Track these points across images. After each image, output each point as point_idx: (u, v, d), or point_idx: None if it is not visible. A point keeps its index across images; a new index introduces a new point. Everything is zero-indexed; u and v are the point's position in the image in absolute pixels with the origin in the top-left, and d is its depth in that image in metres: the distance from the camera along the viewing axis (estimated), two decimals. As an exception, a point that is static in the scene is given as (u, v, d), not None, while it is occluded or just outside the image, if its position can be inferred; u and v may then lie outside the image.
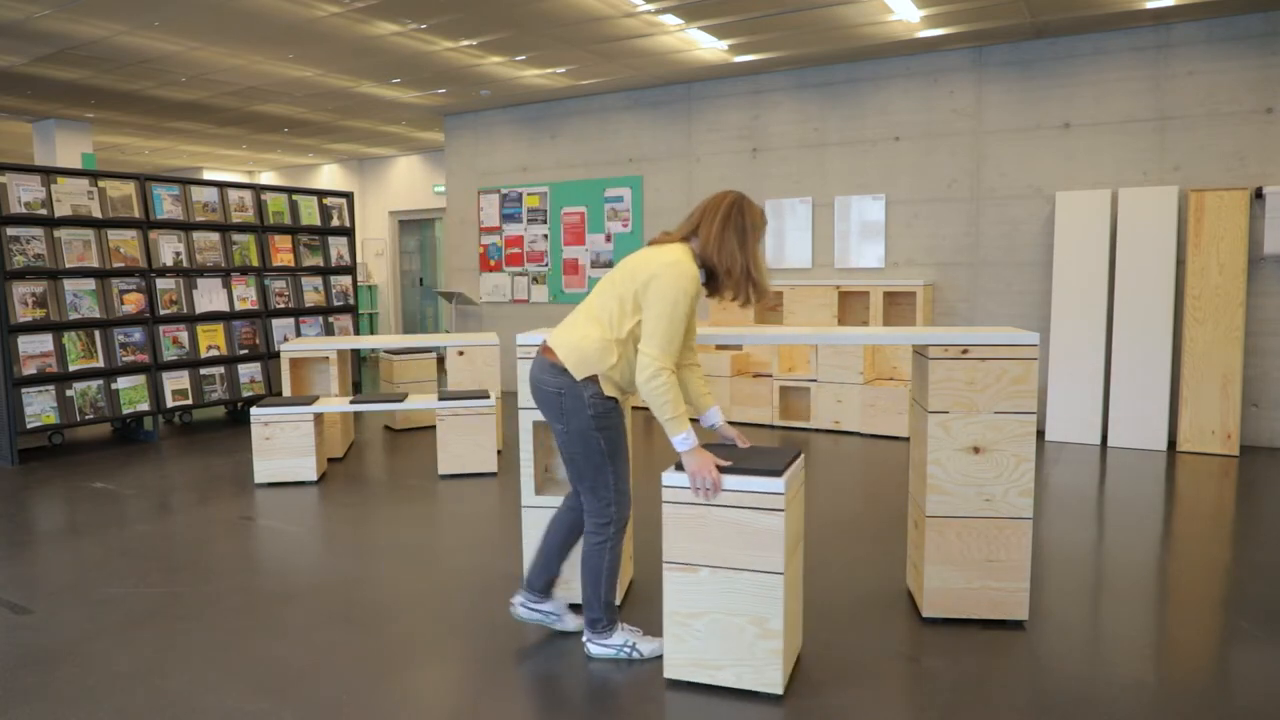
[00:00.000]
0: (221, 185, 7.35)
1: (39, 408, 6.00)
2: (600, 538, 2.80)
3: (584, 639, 2.90)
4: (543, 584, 3.01)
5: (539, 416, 3.20)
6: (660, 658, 2.80)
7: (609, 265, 8.70)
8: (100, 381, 6.36)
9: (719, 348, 7.75)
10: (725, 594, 2.57)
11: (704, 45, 6.78)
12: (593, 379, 2.68)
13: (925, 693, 2.63)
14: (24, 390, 5.93)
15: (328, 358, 6.25)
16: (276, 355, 7.58)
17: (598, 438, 2.72)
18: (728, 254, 2.70)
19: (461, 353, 6.28)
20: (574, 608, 3.14)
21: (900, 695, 2.62)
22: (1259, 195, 5.94)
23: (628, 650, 2.85)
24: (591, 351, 2.68)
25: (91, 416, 6.29)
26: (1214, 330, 5.90)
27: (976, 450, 3.02)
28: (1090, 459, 5.84)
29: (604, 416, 2.71)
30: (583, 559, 2.84)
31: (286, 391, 6.16)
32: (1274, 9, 5.85)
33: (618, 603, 3.00)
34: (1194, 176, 6.18)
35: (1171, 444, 6.19)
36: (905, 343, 3.21)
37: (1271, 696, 2.60)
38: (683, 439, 2.57)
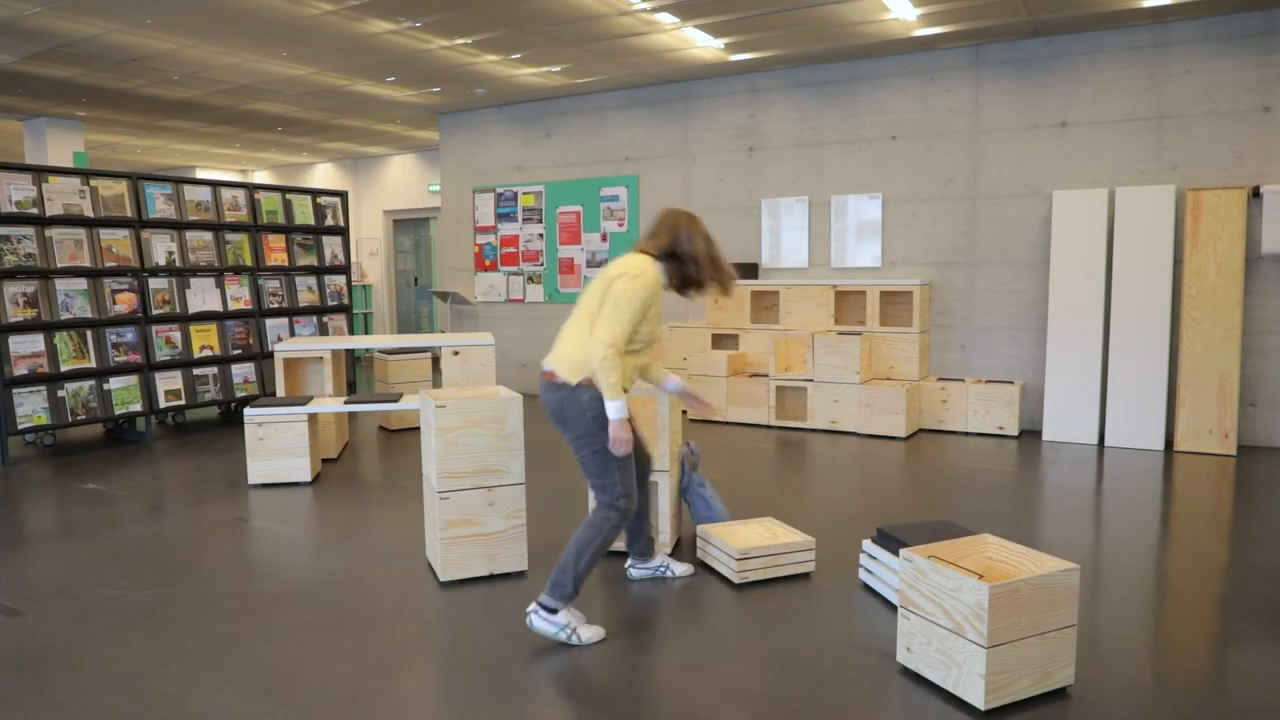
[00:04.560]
0: (215, 184, 7.31)
1: (30, 408, 5.95)
2: (603, 516, 3.04)
3: (530, 608, 3.03)
4: (640, 547, 3.55)
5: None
6: (597, 643, 3.00)
7: (605, 264, 8.66)
8: (92, 382, 6.32)
9: (715, 348, 7.73)
10: None
11: (700, 44, 6.76)
12: (587, 382, 2.97)
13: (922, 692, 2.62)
14: (15, 391, 5.88)
15: (322, 358, 6.21)
16: (270, 355, 7.53)
17: (601, 437, 2.99)
18: (701, 252, 3.12)
19: (456, 353, 6.25)
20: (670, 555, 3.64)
21: (897, 692, 2.61)
22: (1256, 194, 5.94)
23: (568, 632, 2.99)
24: (581, 357, 2.98)
25: (83, 417, 6.24)
26: (1211, 330, 5.90)
27: None
28: (1087, 459, 5.83)
29: (603, 416, 2.97)
30: (581, 527, 3.06)
31: (280, 392, 6.13)
32: (1271, 7, 5.85)
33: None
34: (1191, 175, 6.18)
35: (1169, 443, 6.19)
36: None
37: (1270, 697, 2.58)
38: (616, 408, 2.92)
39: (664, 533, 3.90)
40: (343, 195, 8.39)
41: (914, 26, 6.28)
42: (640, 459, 3.38)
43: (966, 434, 6.67)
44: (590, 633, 3.00)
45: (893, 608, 3.28)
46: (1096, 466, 5.60)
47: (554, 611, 2.99)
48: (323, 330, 8.01)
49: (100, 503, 4.92)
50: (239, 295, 7.37)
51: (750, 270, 7.67)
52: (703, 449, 6.25)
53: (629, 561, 3.63)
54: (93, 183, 6.45)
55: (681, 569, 3.61)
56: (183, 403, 6.88)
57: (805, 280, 7.43)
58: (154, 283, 6.77)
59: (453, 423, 3.48)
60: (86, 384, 6.28)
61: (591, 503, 3.52)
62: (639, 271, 2.99)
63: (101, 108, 9.06)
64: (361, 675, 2.79)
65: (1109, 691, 2.63)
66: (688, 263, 3.11)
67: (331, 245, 8.24)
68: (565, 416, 3.01)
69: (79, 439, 6.85)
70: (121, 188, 6.63)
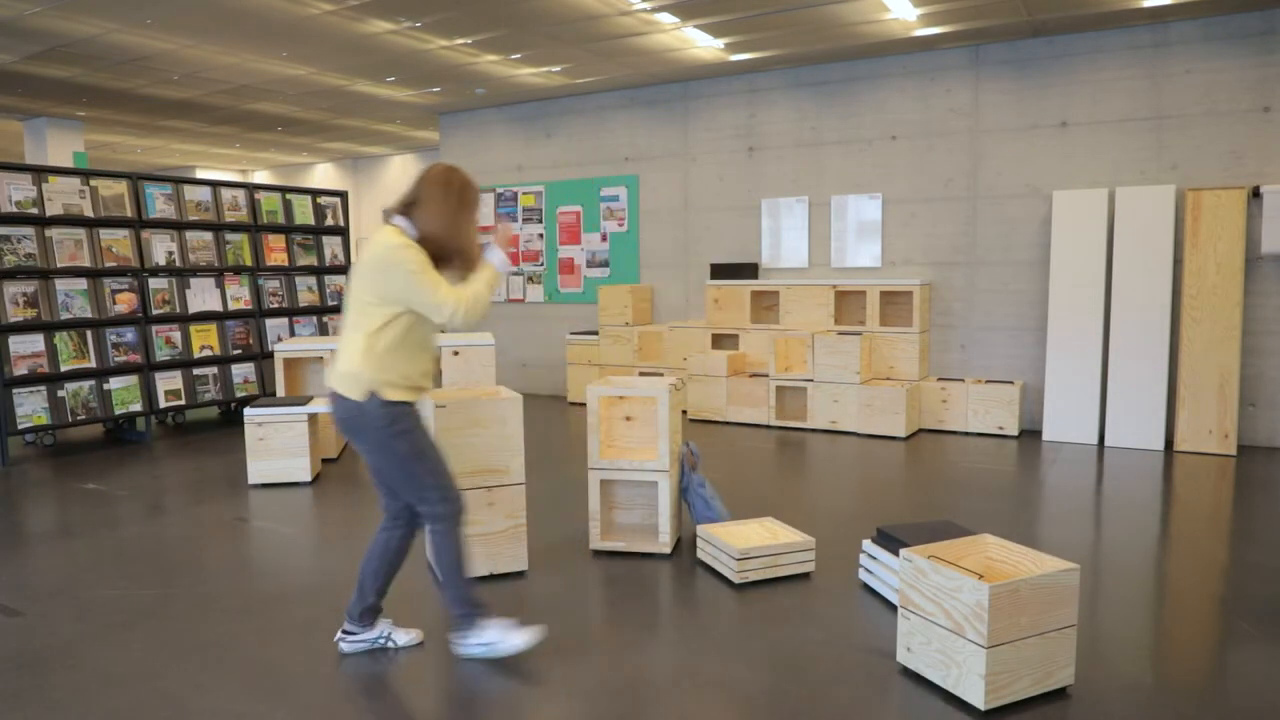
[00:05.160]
0: (214, 184, 7.31)
1: (30, 408, 5.95)
2: (437, 531, 2.81)
3: (453, 640, 2.90)
4: (360, 611, 2.94)
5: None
6: (531, 647, 2.90)
7: (605, 265, 8.68)
8: (92, 382, 6.31)
9: (715, 348, 7.73)
10: None
11: (700, 44, 6.76)
12: (372, 393, 2.70)
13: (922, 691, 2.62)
14: (15, 391, 5.88)
15: (322, 358, 6.21)
16: (270, 355, 7.53)
17: (396, 445, 2.73)
18: (448, 225, 2.79)
19: (456, 353, 6.24)
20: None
21: (890, 692, 2.61)
22: (1256, 194, 5.93)
23: (496, 646, 2.84)
24: (358, 365, 2.71)
25: (83, 417, 6.24)
26: (1211, 330, 5.90)
27: None
28: (1087, 459, 5.83)
29: (395, 422, 2.72)
30: (435, 556, 2.85)
31: (280, 392, 6.13)
32: (1271, 7, 5.85)
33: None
34: (1191, 175, 6.18)
35: (1169, 443, 6.19)
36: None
37: (1270, 697, 2.58)
38: (500, 264, 2.84)
39: (664, 533, 3.90)
40: (343, 195, 8.38)
41: (914, 26, 6.28)
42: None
43: (966, 434, 6.67)
44: (523, 636, 2.85)
45: (893, 608, 3.28)
46: (1096, 466, 5.60)
47: (473, 636, 2.85)
48: (323, 330, 8.01)
49: (100, 503, 4.92)
50: (239, 295, 7.37)
51: (750, 270, 7.67)
52: (703, 449, 6.25)
53: (341, 631, 2.97)
54: (93, 183, 6.44)
55: (405, 638, 2.97)
56: (183, 403, 6.88)
57: (805, 280, 7.43)
58: (154, 283, 6.77)
59: (453, 423, 3.48)
60: (86, 384, 6.28)
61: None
62: (396, 243, 2.68)
63: (101, 108, 9.06)
64: (361, 675, 2.78)
65: (1109, 691, 2.63)
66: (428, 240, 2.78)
67: (331, 245, 8.24)
68: (356, 429, 2.74)
69: (79, 439, 6.85)
70: (121, 188, 6.63)
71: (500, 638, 2.84)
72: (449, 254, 2.80)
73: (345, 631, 2.96)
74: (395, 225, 2.78)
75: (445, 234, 2.77)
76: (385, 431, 2.72)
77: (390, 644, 2.99)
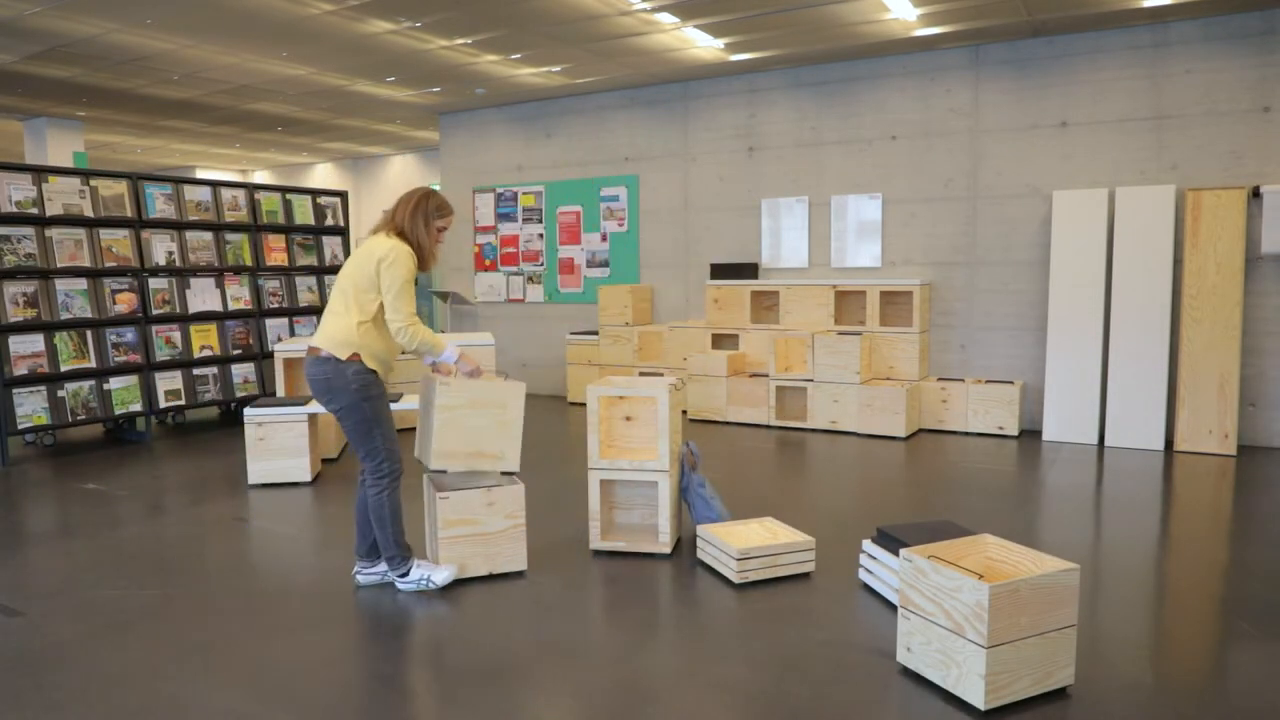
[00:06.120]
0: (214, 184, 7.31)
1: (30, 408, 5.95)
2: (379, 488, 3.37)
3: (390, 581, 3.52)
4: (366, 550, 3.56)
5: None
6: (452, 583, 3.46)
7: (605, 264, 8.68)
8: (92, 382, 6.31)
9: (716, 348, 7.73)
10: None
11: (700, 44, 6.76)
12: (355, 357, 3.27)
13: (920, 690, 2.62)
14: (15, 391, 5.88)
15: (322, 357, 6.20)
16: (270, 355, 7.53)
17: (365, 407, 3.30)
18: (416, 234, 3.42)
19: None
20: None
21: (883, 692, 2.60)
22: (1256, 194, 5.93)
23: (424, 583, 3.43)
24: (348, 334, 3.27)
25: (83, 417, 6.24)
26: (1211, 330, 5.90)
27: None
28: (1087, 459, 5.83)
29: (367, 388, 3.29)
30: (371, 510, 3.40)
31: (280, 392, 6.12)
32: (1271, 7, 5.85)
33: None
34: (1191, 175, 6.18)
35: (1169, 443, 6.19)
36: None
37: (1270, 696, 2.58)
38: (449, 353, 3.44)
39: (664, 533, 3.90)
40: (343, 195, 8.38)
41: (914, 26, 6.28)
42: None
43: (966, 434, 6.67)
44: (444, 574, 3.42)
45: (893, 608, 3.28)
46: (1096, 466, 5.60)
47: (406, 574, 3.42)
48: (323, 330, 8.00)
49: (100, 503, 4.92)
50: (239, 295, 7.37)
51: (750, 270, 7.67)
52: (703, 449, 6.25)
53: (356, 567, 3.59)
54: (93, 183, 6.44)
55: (441, 576, 3.49)
56: (183, 403, 6.88)
57: (805, 280, 7.43)
58: (154, 283, 6.77)
59: (455, 401, 3.50)
60: (86, 384, 6.28)
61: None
62: (395, 244, 3.31)
63: (101, 108, 9.06)
64: (361, 675, 2.78)
65: (1109, 691, 2.63)
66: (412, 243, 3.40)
67: (331, 245, 8.25)
68: (332, 388, 3.26)
69: (79, 439, 6.85)
70: (121, 188, 6.63)
71: (428, 573, 3.43)
72: (416, 247, 3.40)
73: (359, 569, 3.58)
74: (396, 234, 3.40)
75: (411, 233, 3.39)
76: (359, 394, 3.27)
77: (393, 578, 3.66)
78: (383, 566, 3.57)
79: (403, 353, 3.50)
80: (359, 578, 3.57)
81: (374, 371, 3.31)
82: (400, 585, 3.46)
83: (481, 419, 3.53)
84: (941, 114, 6.97)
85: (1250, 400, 6.12)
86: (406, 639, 3.06)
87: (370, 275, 3.28)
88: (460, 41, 6.68)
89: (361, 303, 3.30)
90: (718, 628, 3.13)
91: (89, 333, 6.32)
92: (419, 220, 3.41)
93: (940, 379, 7.01)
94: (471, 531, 3.57)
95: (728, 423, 7.34)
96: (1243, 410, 6.14)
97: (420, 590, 3.42)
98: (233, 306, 7.31)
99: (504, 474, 3.70)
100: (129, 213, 6.65)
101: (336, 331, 3.28)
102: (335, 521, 4.53)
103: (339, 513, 4.70)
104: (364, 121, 10.13)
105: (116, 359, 6.46)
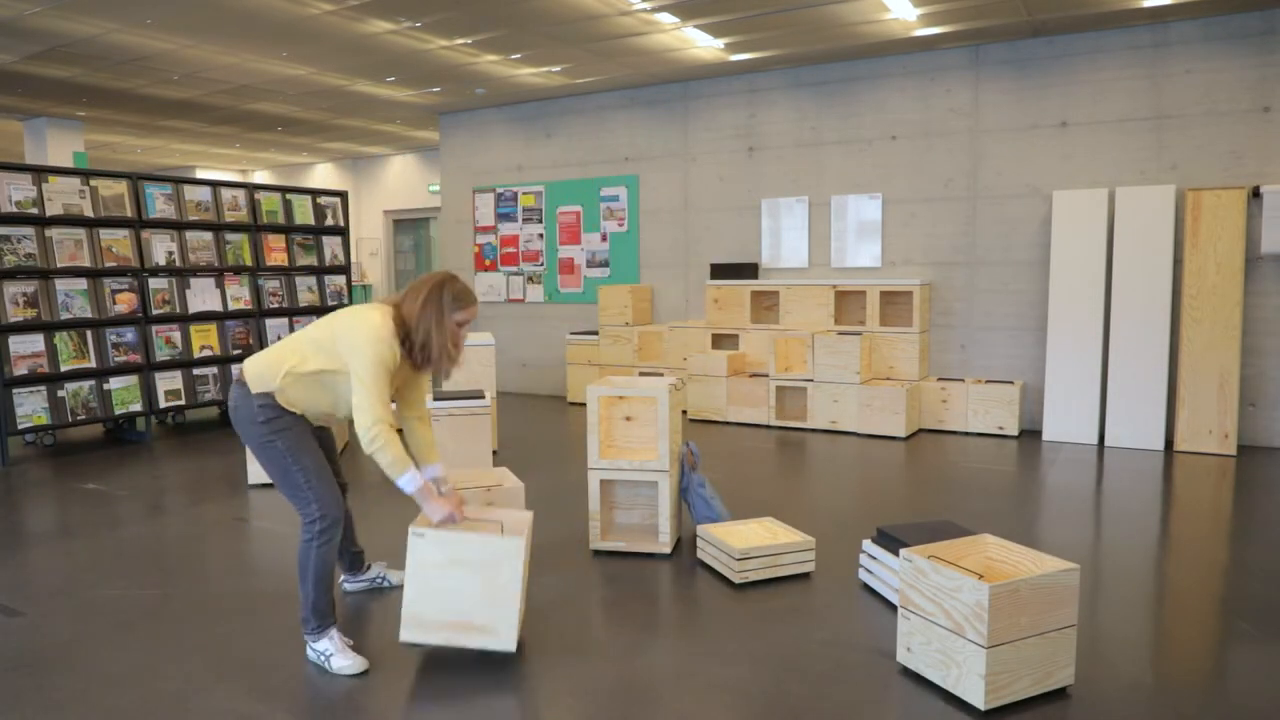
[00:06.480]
0: (214, 184, 7.30)
1: (30, 408, 5.95)
2: (307, 536, 2.83)
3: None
4: (348, 562, 3.46)
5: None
6: (352, 675, 2.77)
7: (604, 264, 8.68)
8: (92, 382, 6.31)
9: (716, 348, 7.73)
10: None
11: (700, 44, 6.76)
12: (267, 394, 2.79)
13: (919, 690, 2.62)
14: (15, 391, 5.88)
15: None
16: (270, 355, 7.52)
17: (274, 441, 2.79)
18: (424, 328, 2.84)
19: (457, 352, 6.23)
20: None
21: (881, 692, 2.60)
22: (1256, 194, 5.94)
23: (324, 660, 2.82)
24: (271, 372, 2.80)
25: (83, 417, 6.24)
26: (1211, 330, 5.90)
27: None
28: (1087, 459, 5.83)
29: (273, 421, 2.79)
30: (298, 560, 2.91)
31: (280, 391, 6.11)
32: (1271, 7, 5.85)
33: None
34: (1191, 175, 6.18)
35: (1169, 443, 6.19)
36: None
37: (1271, 696, 2.58)
38: (407, 480, 2.76)
39: (664, 533, 3.90)
40: (343, 195, 8.38)
41: (914, 26, 6.28)
42: (332, 462, 3.19)
43: (966, 434, 6.67)
44: (345, 662, 2.79)
45: (893, 608, 3.28)
46: (1096, 466, 5.60)
47: (315, 640, 2.85)
48: (323, 330, 7.99)
49: (100, 503, 4.92)
50: (239, 295, 7.37)
51: (750, 270, 7.67)
52: (703, 449, 6.25)
53: (342, 577, 3.50)
54: (93, 183, 6.44)
55: (341, 664, 2.82)
56: (183, 403, 6.88)
57: (805, 280, 7.43)
58: (154, 283, 6.77)
59: (429, 558, 2.75)
60: (86, 384, 6.27)
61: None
62: (375, 325, 2.76)
63: (101, 108, 9.06)
64: (361, 675, 2.78)
65: (1109, 691, 2.63)
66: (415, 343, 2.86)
67: (331, 245, 8.24)
68: (238, 418, 2.83)
69: (79, 439, 6.85)
70: (121, 188, 6.63)
71: (332, 652, 2.82)
72: (415, 345, 2.85)
73: (344, 579, 3.50)
74: (389, 312, 2.83)
75: (415, 321, 2.83)
76: (263, 427, 2.78)
77: (385, 583, 3.53)
78: (370, 574, 3.50)
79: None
80: (345, 585, 3.51)
81: (286, 409, 2.81)
82: (308, 646, 2.88)
83: (464, 583, 2.74)
84: (941, 114, 6.97)
85: (1250, 400, 6.12)
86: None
87: (333, 342, 2.79)
88: (460, 41, 6.68)
89: (304, 353, 2.81)
90: (718, 628, 3.13)
91: (89, 333, 6.32)
92: (429, 312, 2.83)
93: (940, 379, 7.01)
94: (471, 532, 3.55)
95: (728, 423, 7.34)
96: (1243, 410, 6.14)
97: (317, 664, 2.84)
98: (233, 306, 7.31)
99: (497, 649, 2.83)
100: (129, 213, 6.65)
101: (265, 367, 2.81)
102: (335, 521, 4.52)
103: (339, 513, 4.69)
104: (364, 121, 10.13)
105: (116, 359, 6.46)
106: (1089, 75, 6.43)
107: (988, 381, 6.81)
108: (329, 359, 2.80)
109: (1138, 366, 6.13)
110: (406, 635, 2.75)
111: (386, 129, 10.70)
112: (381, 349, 2.73)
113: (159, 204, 6.86)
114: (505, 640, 2.75)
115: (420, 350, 2.85)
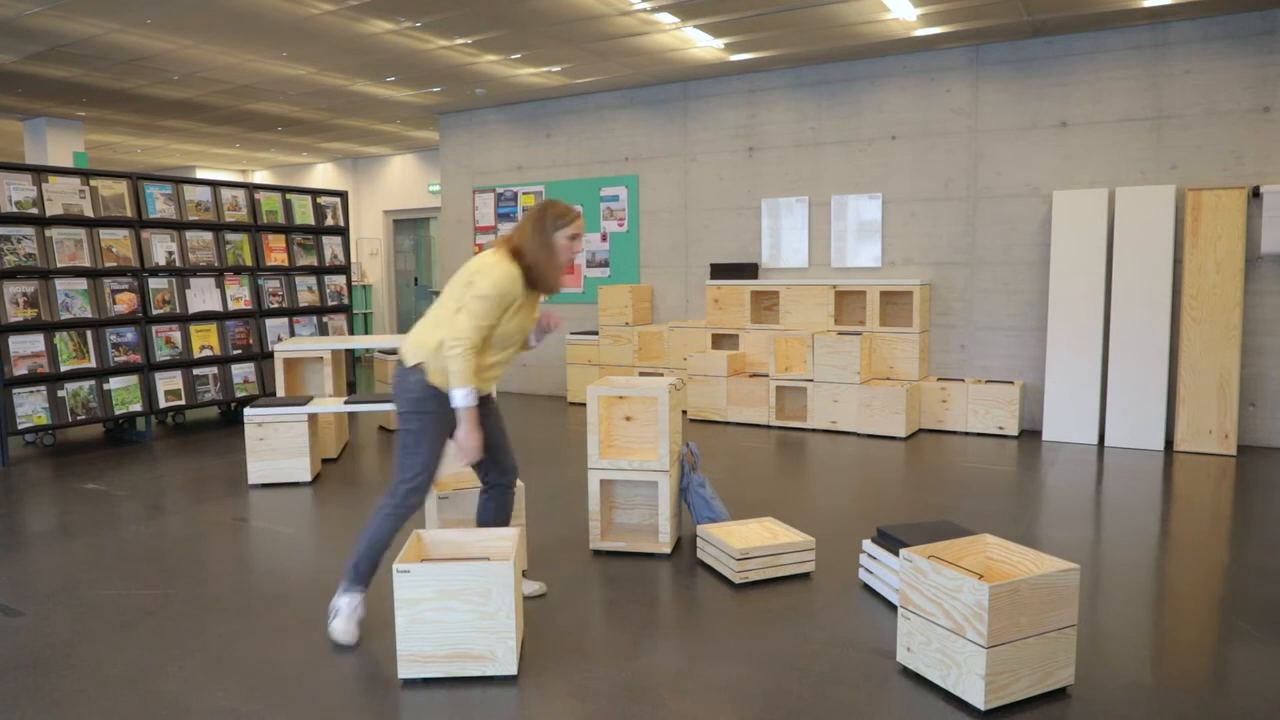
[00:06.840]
0: (214, 184, 7.31)
1: (30, 408, 5.95)
2: (388, 508, 3.01)
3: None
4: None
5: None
6: (341, 644, 2.98)
7: (604, 265, 8.68)
8: (92, 382, 6.31)
9: (716, 348, 7.73)
10: None
11: (700, 44, 6.76)
12: (419, 366, 3.00)
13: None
14: (15, 391, 5.88)
15: (322, 358, 6.21)
16: (270, 355, 7.53)
17: (416, 421, 3.01)
18: (537, 252, 3.07)
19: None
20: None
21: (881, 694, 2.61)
22: (1256, 194, 5.93)
23: (334, 613, 3.01)
24: (425, 344, 3.00)
25: (83, 417, 6.24)
26: (1211, 329, 5.90)
27: None
28: (1087, 459, 5.83)
29: (423, 401, 2.99)
30: (369, 521, 3.04)
31: (280, 392, 6.12)
32: (1271, 7, 5.85)
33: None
34: (1191, 175, 6.18)
35: (1169, 443, 6.19)
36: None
37: (1270, 696, 2.58)
38: (463, 394, 2.92)
39: (664, 533, 3.90)
40: (343, 195, 8.38)
41: (914, 26, 6.28)
42: (495, 458, 3.29)
43: (966, 434, 6.67)
44: (341, 627, 2.99)
45: (893, 608, 3.28)
46: (1096, 466, 5.60)
47: (340, 596, 3.03)
48: (323, 330, 8.01)
49: (100, 503, 4.91)
50: (239, 295, 7.37)
51: (750, 270, 7.67)
52: (702, 449, 6.25)
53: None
54: (93, 183, 6.44)
55: (340, 627, 3.01)
56: (183, 403, 6.88)
57: (805, 280, 7.43)
58: (154, 283, 6.77)
59: (417, 593, 2.70)
60: (86, 384, 6.28)
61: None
62: (494, 262, 2.99)
63: (101, 108, 9.06)
64: (361, 675, 2.78)
65: (1109, 691, 2.63)
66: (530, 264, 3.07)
67: (331, 245, 8.24)
68: (395, 392, 3.04)
69: (79, 439, 6.85)
70: (121, 188, 6.63)
71: (341, 612, 3.00)
72: (534, 270, 3.05)
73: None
74: (502, 254, 3.04)
75: (528, 251, 3.05)
76: (415, 404, 2.99)
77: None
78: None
79: (490, 367, 3.08)
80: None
81: (436, 388, 3.00)
82: (335, 600, 3.06)
83: (456, 614, 2.72)
84: (941, 114, 6.97)
85: (1250, 400, 6.12)
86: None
87: (459, 295, 2.99)
88: (460, 41, 6.68)
89: (449, 322, 3.01)
90: (718, 628, 3.13)
91: (89, 333, 6.32)
92: (538, 237, 3.06)
93: (940, 379, 7.01)
94: (471, 531, 3.54)
95: (728, 423, 7.34)
96: (1243, 410, 6.14)
97: (327, 617, 3.06)
98: (233, 306, 7.31)
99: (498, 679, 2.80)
100: (129, 213, 6.65)
101: (416, 338, 3.03)
102: (335, 522, 4.53)
103: (339, 513, 4.70)
104: (364, 121, 10.12)
105: (116, 359, 6.46)
106: (1089, 75, 6.43)
107: (988, 381, 6.81)
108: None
109: (1137, 366, 6.13)
110: (405, 672, 2.74)
111: (386, 129, 10.70)
112: (511, 287, 2.96)
113: (159, 204, 6.86)
114: (505, 665, 2.75)
115: (537, 271, 3.05)
